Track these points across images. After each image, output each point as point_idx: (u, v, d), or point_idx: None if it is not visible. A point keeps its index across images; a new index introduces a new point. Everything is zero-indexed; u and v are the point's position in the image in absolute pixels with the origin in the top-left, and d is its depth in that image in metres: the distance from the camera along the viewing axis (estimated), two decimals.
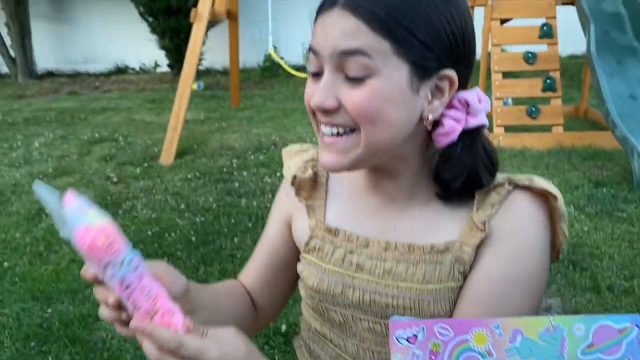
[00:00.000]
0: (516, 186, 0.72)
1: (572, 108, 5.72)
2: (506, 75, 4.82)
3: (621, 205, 3.20)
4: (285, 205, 0.89)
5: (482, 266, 0.71)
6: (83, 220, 0.59)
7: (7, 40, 9.55)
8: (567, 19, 5.47)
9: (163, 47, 9.11)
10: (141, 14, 9.13)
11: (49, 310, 2.33)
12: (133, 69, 10.44)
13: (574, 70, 7.96)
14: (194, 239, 2.93)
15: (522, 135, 4.51)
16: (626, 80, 4.08)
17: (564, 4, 4.85)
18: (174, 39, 8.81)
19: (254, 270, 0.92)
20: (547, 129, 4.62)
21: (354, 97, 0.66)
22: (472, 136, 0.71)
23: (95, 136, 5.30)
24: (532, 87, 4.67)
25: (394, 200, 0.77)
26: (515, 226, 0.70)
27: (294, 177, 0.84)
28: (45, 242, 2.99)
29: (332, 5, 0.66)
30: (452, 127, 0.70)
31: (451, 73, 0.68)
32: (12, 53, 9.60)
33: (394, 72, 0.66)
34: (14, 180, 4.05)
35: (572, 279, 2.45)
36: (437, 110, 0.69)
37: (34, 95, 8.21)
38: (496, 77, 4.67)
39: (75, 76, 10.15)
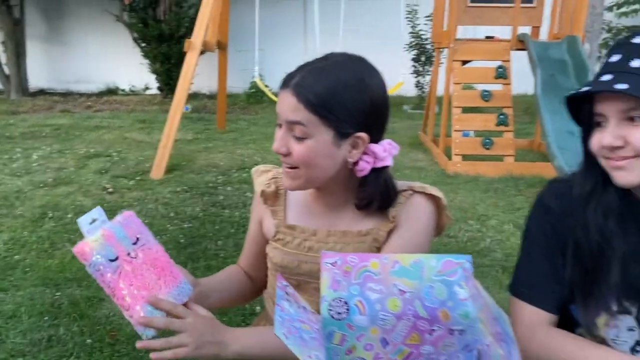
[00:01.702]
0: (415, 192, 1.13)
1: (527, 141, 6.31)
2: (465, 110, 5.40)
3: None
4: (258, 211, 1.28)
5: (390, 243, 1.11)
6: (81, 242, 1.01)
7: (3, 58, 9.96)
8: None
9: (154, 71, 9.59)
10: (135, 39, 9.64)
11: (58, 294, 2.73)
12: (123, 90, 10.89)
13: (535, 108, 8.62)
14: (182, 240, 3.38)
15: (476, 164, 5.06)
16: (566, 117, 4.65)
17: (517, 49, 5.46)
18: (165, 64, 9.31)
19: (246, 255, 1.36)
20: (499, 159, 5.18)
21: (297, 150, 1.03)
22: (378, 173, 1.09)
23: (91, 151, 5.72)
24: (487, 122, 5.25)
25: (333, 207, 1.18)
26: (413, 218, 1.11)
27: (263, 191, 1.22)
28: (50, 241, 3.40)
29: (287, 86, 1.04)
30: (363, 167, 1.08)
31: (363, 135, 1.05)
32: (6, 71, 10.00)
33: (322, 136, 1.02)
34: (17, 188, 4.44)
35: (500, 281, 2.94)
36: (354, 157, 1.07)
37: (27, 112, 8.59)
38: (456, 112, 5.25)
39: (67, 95, 10.55)
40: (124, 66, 10.81)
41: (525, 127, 7.43)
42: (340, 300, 1.06)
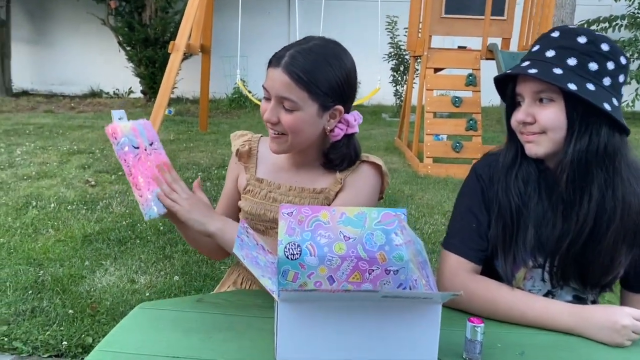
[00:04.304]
0: (362, 161, 1.35)
1: (496, 147, 6.58)
2: (437, 114, 5.65)
3: None
4: (234, 169, 1.50)
5: (336, 201, 1.34)
6: (114, 123, 1.19)
7: None
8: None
9: (138, 75, 9.74)
10: (119, 43, 9.79)
11: (41, 272, 2.89)
12: (107, 93, 11.00)
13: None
14: (162, 228, 3.54)
15: (447, 166, 5.31)
16: None
17: (487, 59, 5.75)
18: (149, 68, 9.46)
19: (220, 210, 1.53)
20: (468, 162, 5.43)
21: (286, 119, 1.22)
22: (349, 139, 1.32)
23: (74, 148, 5.85)
24: (457, 126, 5.50)
25: (300, 165, 1.40)
26: (357, 182, 1.32)
27: (237, 150, 1.42)
28: (34, 227, 3.54)
29: (277, 65, 1.20)
30: (338, 133, 1.33)
31: (340, 107, 1.26)
32: None
33: (309, 108, 1.21)
34: (0, 180, 4.57)
35: None
36: (332, 125, 1.27)
37: (10, 111, 8.67)
38: (428, 116, 5.50)
39: (50, 96, 10.64)
40: (108, 69, 10.94)
41: (498, 135, 7.72)
42: (294, 244, 1.28)
